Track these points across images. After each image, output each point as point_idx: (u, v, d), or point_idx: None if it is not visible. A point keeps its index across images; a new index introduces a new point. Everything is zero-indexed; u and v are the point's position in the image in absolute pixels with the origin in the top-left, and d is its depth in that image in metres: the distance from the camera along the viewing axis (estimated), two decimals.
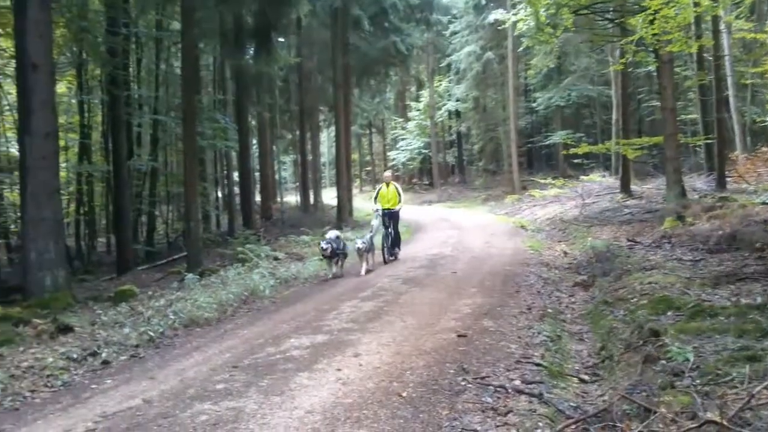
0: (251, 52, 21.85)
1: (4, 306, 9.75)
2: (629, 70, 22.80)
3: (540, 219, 22.96)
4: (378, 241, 14.11)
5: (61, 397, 5.79)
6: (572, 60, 32.74)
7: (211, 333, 8.19)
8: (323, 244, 12.40)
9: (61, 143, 18.66)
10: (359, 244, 12.86)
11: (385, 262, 13.94)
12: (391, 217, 14.34)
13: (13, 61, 14.39)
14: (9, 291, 14.80)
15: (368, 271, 12.76)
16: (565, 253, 14.22)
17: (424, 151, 45.89)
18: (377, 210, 14.37)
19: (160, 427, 4.55)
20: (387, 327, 7.44)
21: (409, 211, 29.66)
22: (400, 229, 15.31)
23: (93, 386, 6.03)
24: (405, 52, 28.49)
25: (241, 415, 4.69)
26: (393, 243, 14.47)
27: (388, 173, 16.10)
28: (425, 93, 45.48)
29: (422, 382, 5.27)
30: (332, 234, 13.12)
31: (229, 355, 6.67)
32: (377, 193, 14.71)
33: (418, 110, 46.55)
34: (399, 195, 14.44)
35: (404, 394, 4.95)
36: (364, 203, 35.07)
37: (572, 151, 23.20)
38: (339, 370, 5.72)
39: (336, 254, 12.54)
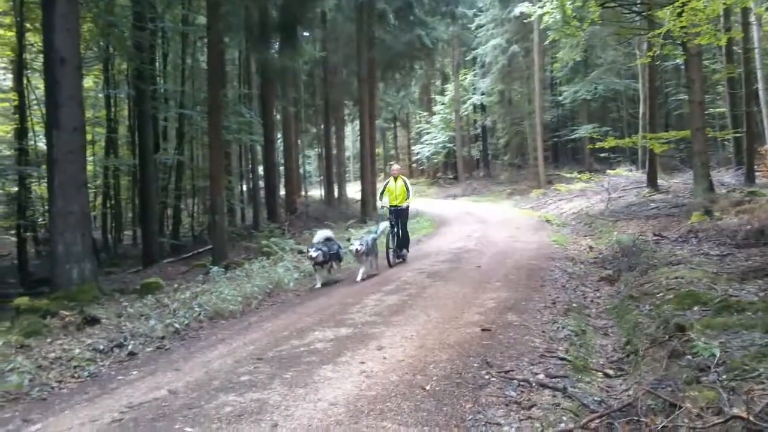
0: (276, 46, 21.93)
1: (32, 298, 9.92)
2: (657, 63, 22.49)
3: (565, 213, 22.83)
4: (382, 242, 13.07)
5: (87, 387, 5.87)
6: (599, 53, 32.44)
7: (236, 325, 8.27)
8: (311, 252, 10.90)
9: (88, 137, 18.93)
10: (356, 245, 11.46)
11: (390, 265, 12.67)
12: (398, 215, 13.13)
13: (41, 55, 14.60)
14: (37, 283, 15.11)
15: (368, 277, 11.47)
16: (591, 247, 14.11)
17: (448, 145, 45.78)
18: (383, 206, 13.29)
19: (185, 417, 4.60)
20: (411, 320, 7.44)
21: (434, 205, 29.75)
22: (415, 225, 14.71)
23: (119, 377, 6.11)
24: (430, 45, 28.40)
25: (265, 406, 4.72)
26: (400, 244, 13.27)
27: (396, 166, 14.38)
28: (450, 87, 45.35)
29: (446, 375, 5.26)
30: (321, 235, 11.58)
31: (254, 347, 6.72)
32: (384, 188, 13.45)
33: (443, 104, 46.41)
34: (407, 191, 13.14)
35: (428, 388, 4.95)
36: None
37: (598, 145, 23.03)
38: (363, 363, 5.73)
39: (328, 260, 11.19)
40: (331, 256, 11.28)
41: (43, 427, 4.80)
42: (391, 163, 57.60)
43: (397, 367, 5.54)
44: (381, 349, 6.16)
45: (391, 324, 7.30)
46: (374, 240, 12.18)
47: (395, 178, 13.35)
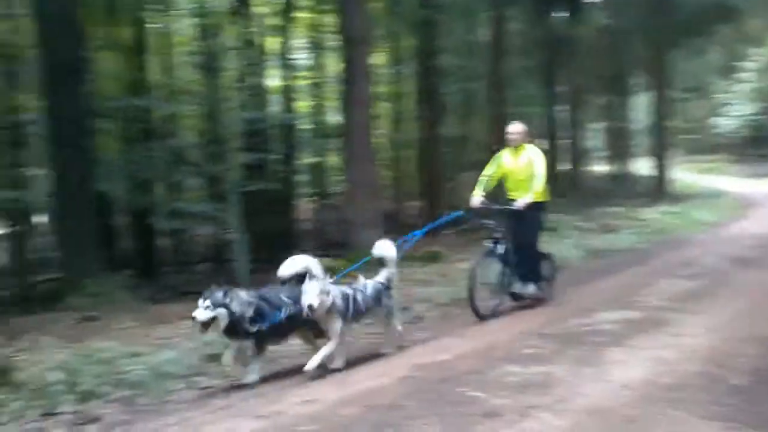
0: (560, 15, 21.35)
1: (331, 258, 10.94)
2: None
3: None
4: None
5: (379, 345, 6.24)
6: None
7: None
8: (198, 310, 4.75)
9: (377, 112, 20.28)
10: (311, 299, 4.88)
11: (480, 316, 6.73)
12: (515, 220, 7.00)
13: (332, 35, 15.94)
14: (332, 246, 16.71)
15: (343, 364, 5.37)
16: None
17: (758, 117, 40.89)
18: (482, 203, 7.26)
19: (470, 381, 4.67)
20: (710, 308, 6.84)
21: (738, 185, 27.07)
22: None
23: (408, 337, 6.39)
24: (735, 6, 25.45)
25: (550, 380, 4.63)
26: (518, 271, 7.19)
27: (516, 127, 7.35)
28: (762, 51, 40.34)
29: (755, 371, 4.69)
30: (291, 267, 5.21)
31: (534, 322, 6.65)
32: (495, 166, 7.44)
33: (752, 71, 41.43)
34: (536, 174, 6.99)
35: (733, 382, 4.45)
36: (684, 174, 32.62)
37: None
38: (655, 348, 5.36)
39: (238, 330, 4.89)
40: (238, 325, 4.90)
41: (347, 374, 5.18)
42: (687, 134, 53.17)
43: (694, 357, 5.09)
44: (675, 337, 5.71)
45: (687, 311, 6.76)
46: (384, 287, 5.84)
47: (515, 149, 7.29)
